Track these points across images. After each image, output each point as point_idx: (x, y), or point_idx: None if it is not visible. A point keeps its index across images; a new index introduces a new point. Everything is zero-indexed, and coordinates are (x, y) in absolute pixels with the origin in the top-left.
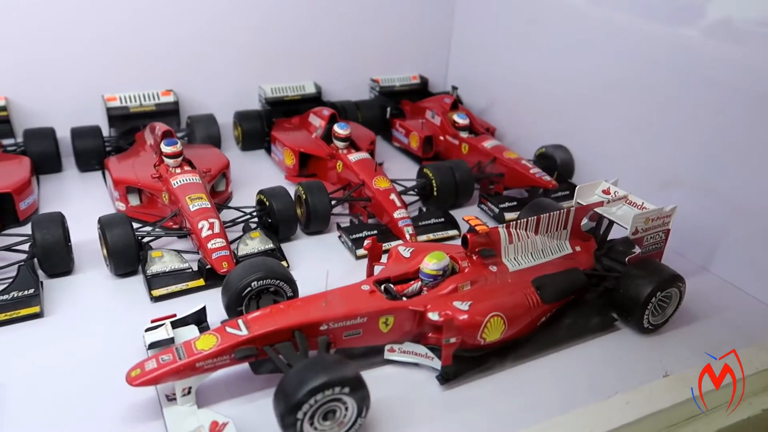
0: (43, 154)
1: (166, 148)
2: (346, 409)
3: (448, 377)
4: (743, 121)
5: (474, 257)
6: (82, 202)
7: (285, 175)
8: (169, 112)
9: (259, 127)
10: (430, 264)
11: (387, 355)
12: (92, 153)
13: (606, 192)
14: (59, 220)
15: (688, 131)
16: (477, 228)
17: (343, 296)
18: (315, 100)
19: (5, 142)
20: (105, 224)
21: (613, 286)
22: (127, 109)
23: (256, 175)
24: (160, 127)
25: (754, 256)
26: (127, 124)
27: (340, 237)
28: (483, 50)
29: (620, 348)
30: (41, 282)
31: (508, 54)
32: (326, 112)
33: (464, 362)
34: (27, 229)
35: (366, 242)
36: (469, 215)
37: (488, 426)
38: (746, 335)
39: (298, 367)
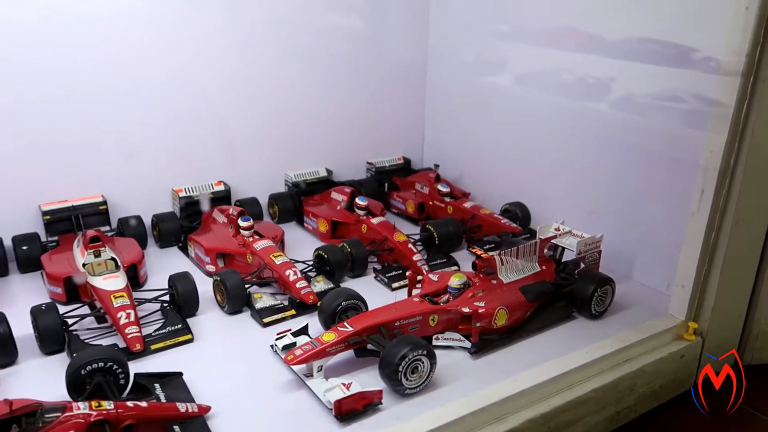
0: (136, 235)
1: (243, 223)
2: (423, 366)
3: (477, 350)
4: (641, 168)
5: (481, 275)
6: (176, 267)
7: (320, 238)
8: (222, 198)
9: (290, 205)
10: (455, 281)
11: (434, 342)
12: (171, 233)
13: (557, 229)
14: (190, 277)
15: (606, 178)
16: (483, 255)
17: (405, 305)
18: (326, 182)
19: (103, 228)
20: (223, 278)
21: (570, 290)
22: (192, 197)
23: (299, 239)
24: (235, 208)
25: (652, 263)
26: (191, 209)
27: (376, 277)
28: (450, 132)
29: (578, 328)
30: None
31: (472, 134)
32: (347, 189)
33: (485, 342)
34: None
35: (408, 272)
36: (476, 248)
37: (503, 376)
38: (654, 312)
39: (392, 345)
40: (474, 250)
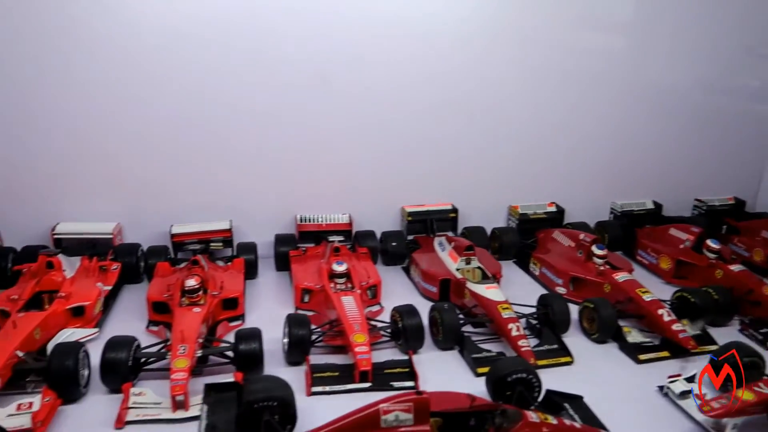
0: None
1: (598, 251)
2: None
3: None
4: None
5: None
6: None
7: (662, 276)
8: (553, 220)
9: (619, 234)
10: None
11: None
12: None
13: None
14: (562, 299)
15: None
16: None
17: None
18: (654, 215)
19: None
20: (597, 305)
21: None
22: (528, 215)
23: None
24: (587, 234)
25: None
26: (526, 227)
27: (742, 330)
28: None
29: None
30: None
31: None
32: (695, 228)
33: None
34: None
35: None
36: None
37: None
38: None
39: None
40: None
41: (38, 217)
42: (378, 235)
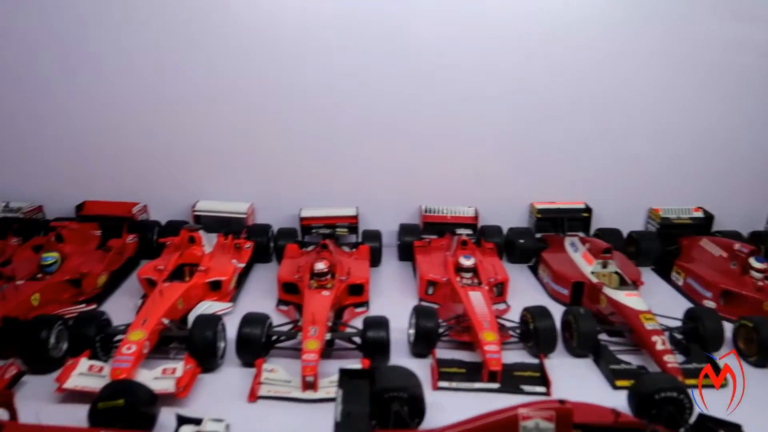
0: None
1: (758, 265)
2: None
3: None
4: None
5: None
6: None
7: None
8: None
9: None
10: None
11: None
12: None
13: None
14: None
15: None
16: None
17: None
18: None
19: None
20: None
21: None
22: (670, 220)
23: None
24: (744, 245)
25: None
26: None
27: None
28: None
29: None
30: None
31: None
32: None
33: None
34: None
35: None
36: None
37: None
38: None
39: None
40: None
41: (181, 195)
42: (504, 231)
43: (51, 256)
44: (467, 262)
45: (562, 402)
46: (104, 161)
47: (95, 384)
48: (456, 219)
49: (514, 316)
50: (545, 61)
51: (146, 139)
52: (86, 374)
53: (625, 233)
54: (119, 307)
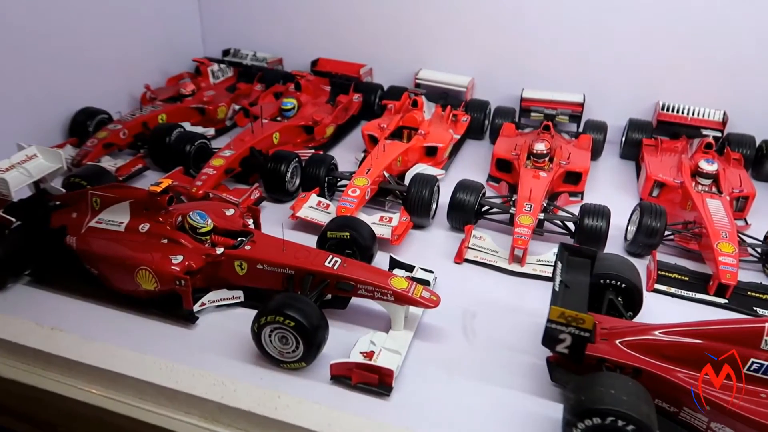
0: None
1: None
2: None
3: None
4: None
5: None
6: None
7: None
8: None
9: None
10: None
11: None
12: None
13: None
14: None
15: None
16: None
17: None
18: None
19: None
20: None
21: None
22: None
23: None
24: None
25: None
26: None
27: None
28: None
29: None
30: None
31: None
32: None
33: None
34: None
35: None
36: None
37: None
38: None
39: None
40: None
41: (404, 61)
42: (757, 142)
43: (290, 102)
44: (709, 167)
45: None
46: (339, 23)
47: (322, 218)
48: (697, 122)
49: (757, 234)
50: None
51: (377, 3)
52: (315, 208)
53: None
54: (341, 159)
